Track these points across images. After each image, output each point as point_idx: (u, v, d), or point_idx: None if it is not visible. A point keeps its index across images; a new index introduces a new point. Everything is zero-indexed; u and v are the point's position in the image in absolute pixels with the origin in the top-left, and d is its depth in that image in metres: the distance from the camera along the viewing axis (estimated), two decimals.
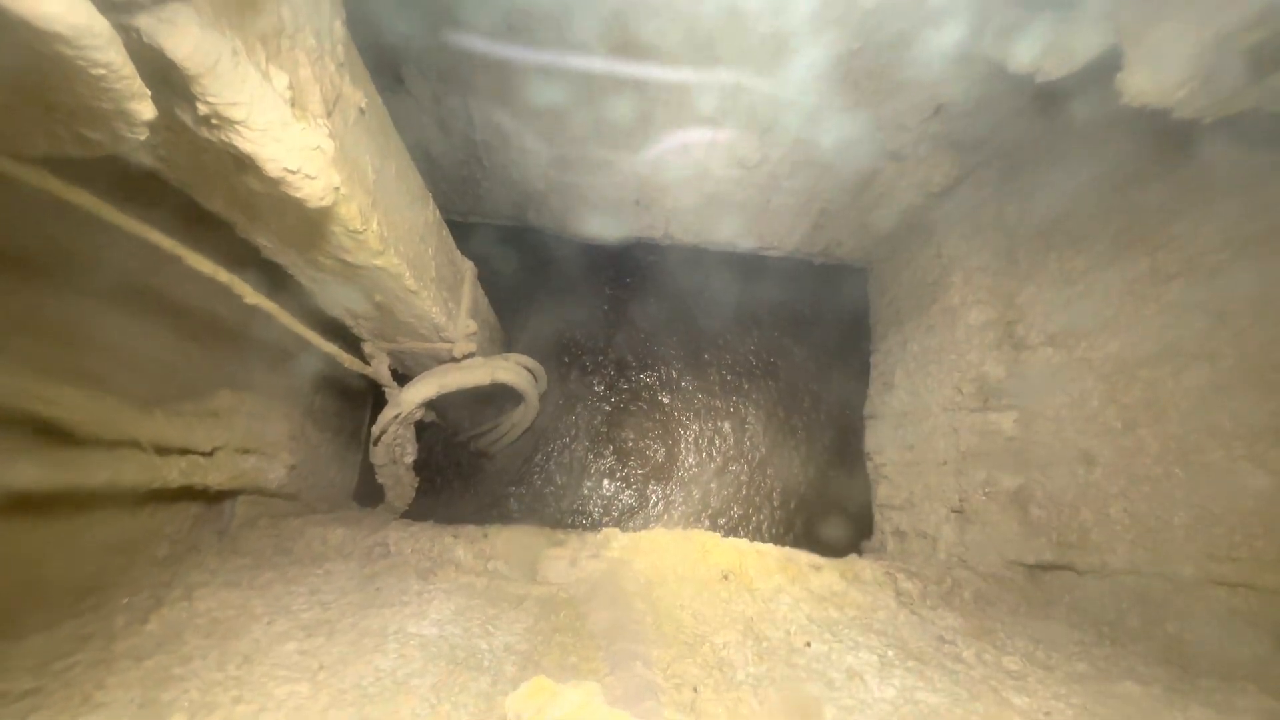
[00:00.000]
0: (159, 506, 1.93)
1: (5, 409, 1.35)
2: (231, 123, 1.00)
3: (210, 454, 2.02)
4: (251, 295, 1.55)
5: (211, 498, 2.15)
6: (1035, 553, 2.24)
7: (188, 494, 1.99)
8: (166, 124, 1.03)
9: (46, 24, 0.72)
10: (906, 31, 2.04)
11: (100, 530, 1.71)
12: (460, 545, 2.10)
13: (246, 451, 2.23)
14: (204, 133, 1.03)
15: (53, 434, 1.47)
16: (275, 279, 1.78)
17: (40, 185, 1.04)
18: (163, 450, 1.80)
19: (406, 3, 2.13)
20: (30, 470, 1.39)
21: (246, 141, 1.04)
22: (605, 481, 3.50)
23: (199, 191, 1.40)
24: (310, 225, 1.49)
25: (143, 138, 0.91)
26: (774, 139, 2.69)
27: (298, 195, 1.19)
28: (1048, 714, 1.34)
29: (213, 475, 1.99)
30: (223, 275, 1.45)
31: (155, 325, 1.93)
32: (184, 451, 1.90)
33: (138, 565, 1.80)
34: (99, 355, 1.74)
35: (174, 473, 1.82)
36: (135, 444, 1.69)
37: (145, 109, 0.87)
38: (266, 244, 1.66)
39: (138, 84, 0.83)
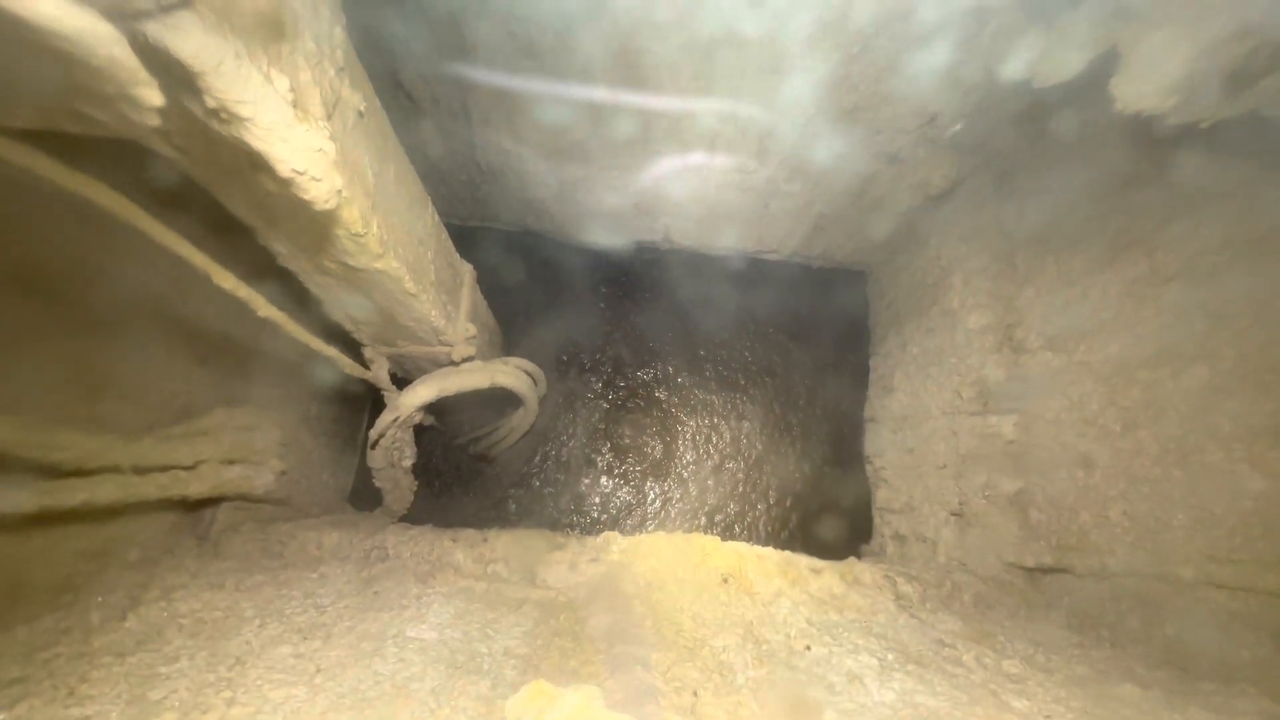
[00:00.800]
0: (133, 517, 1.89)
1: (13, 457, 1.38)
2: (240, 119, 1.01)
3: (192, 467, 1.98)
4: (264, 308, 1.55)
5: (191, 506, 2.11)
6: (1035, 556, 2.23)
7: (165, 504, 1.95)
8: (179, 112, 1.03)
9: (47, 24, 0.73)
10: (901, 43, 2.06)
11: (74, 541, 1.70)
12: (459, 549, 2.09)
13: (232, 462, 2.17)
14: (215, 126, 1.03)
15: (41, 469, 1.48)
16: (282, 288, 1.77)
17: (32, 166, 1.03)
18: (142, 470, 1.78)
19: (407, 10, 2.15)
20: (19, 498, 1.41)
21: (257, 139, 1.04)
22: (604, 479, 3.50)
23: (220, 191, 1.39)
24: (318, 228, 1.49)
25: (153, 123, 0.91)
26: (772, 146, 2.70)
27: (306, 197, 1.19)
28: (1048, 717, 1.34)
29: (193, 486, 1.95)
30: (243, 291, 1.45)
31: (166, 347, 1.91)
32: (165, 468, 1.86)
33: (110, 569, 1.79)
34: (107, 390, 1.74)
35: (152, 488, 1.79)
36: (115, 469, 1.68)
37: (152, 95, 0.87)
38: (282, 250, 1.66)
39: (143, 74, 0.84)
